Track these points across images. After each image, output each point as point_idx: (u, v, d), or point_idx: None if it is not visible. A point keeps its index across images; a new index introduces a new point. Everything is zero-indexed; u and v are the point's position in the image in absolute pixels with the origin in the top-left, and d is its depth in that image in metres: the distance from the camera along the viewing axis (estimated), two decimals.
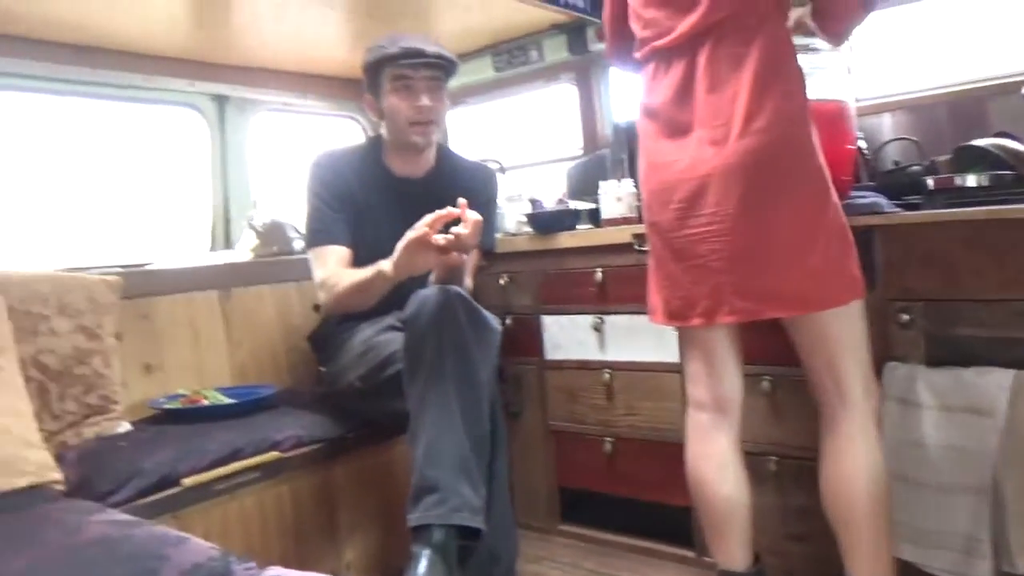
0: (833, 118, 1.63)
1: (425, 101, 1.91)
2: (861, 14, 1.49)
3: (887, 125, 2.12)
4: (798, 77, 1.42)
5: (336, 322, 2.02)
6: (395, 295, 1.76)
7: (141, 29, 2.24)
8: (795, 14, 1.54)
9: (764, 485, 1.80)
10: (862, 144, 1.94)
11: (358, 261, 1.89)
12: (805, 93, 1.41)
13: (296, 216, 2.45)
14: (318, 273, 1.92)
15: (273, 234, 2.57)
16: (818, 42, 1.67)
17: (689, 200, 1.42)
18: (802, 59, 1.61)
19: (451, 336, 1.57)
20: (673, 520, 2.00)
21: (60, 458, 1.60)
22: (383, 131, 2.02)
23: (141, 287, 2.11)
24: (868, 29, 1.85)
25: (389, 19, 2.36)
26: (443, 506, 1.43)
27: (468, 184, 2.00)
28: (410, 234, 1.61)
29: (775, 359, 1.73)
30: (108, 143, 2.63)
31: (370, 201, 1.97)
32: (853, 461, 1.42)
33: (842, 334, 1.43)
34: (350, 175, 1.98)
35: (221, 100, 2.78)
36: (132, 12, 2.09)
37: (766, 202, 1.36)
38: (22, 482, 1.44)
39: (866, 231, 1.59)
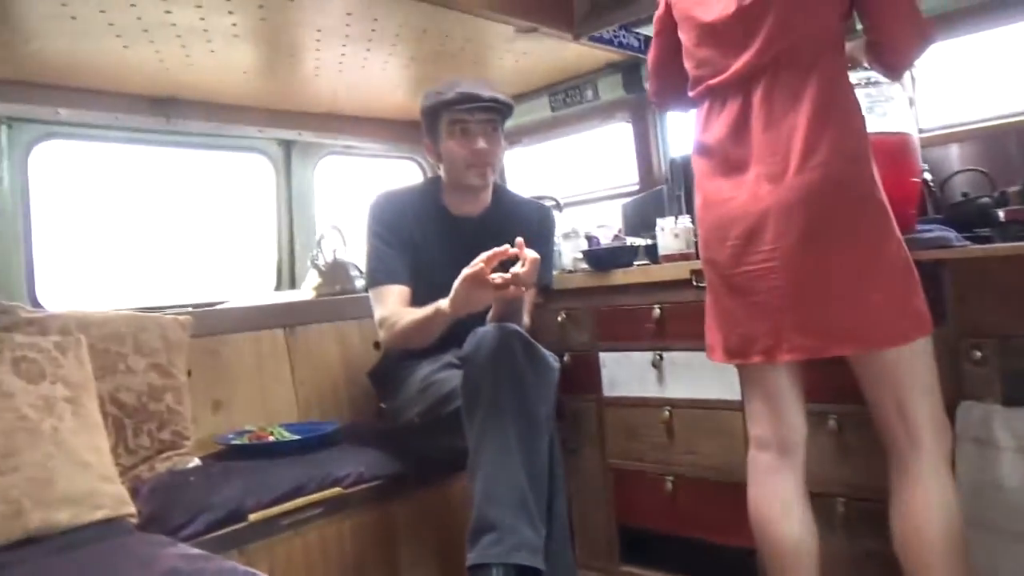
0: (896, 151, 1.60)
1: (482, 144, 1.95)
2: (921, 46, 1.47)
3: (954, 156, 2.07)
4: (857, 112, 1.40)
5: (396, 359, 2.06)
6: (454, 332, 1.78)
7: (215, 80, 2.37)
8: (847, 47, 1.53)
9: (832, 528, 1.73)
10: (928, 176, 1.89)
11: (416, 299, 1.93)
12: (864, 128, 1.40)
13: (358, 255, 2.51)
14: (378, 311, 1.96)
15: (336, 273, 2.65)
16: (879, 75, 1.66)
17: (746, 237, 1.41)
18: (863, 92, 1.60)
19: (508, 373, 1.58)
20: (737, 562, 1.94)
21: (134, 492, 1.67)
22: (441, 172, 2.07)
23: (210, 326, 2.20)
24: (933, 58, 1.82)
25: (448, 64, 2.44)
26: (501, 545, 1.43)
27: (524, 221, 2.03)
28: (467, 271, 1.64)
29: (842, 397, 1.68)
30: (181, 187, 2.76)
31: (428, 240, 2.02)
32: (925, 506, 1.36)
33: (909, 372, 1.38)
34: (409, 214, 2.03)
35: (287, 145, 2.90)
36: (207, 64, 2.21)
37: (825, 238, 1.35)
38: (99, 515, 1.50)
39: (934, 265, 1.54)
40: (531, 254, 1.62)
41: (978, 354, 1.54)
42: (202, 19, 1.88)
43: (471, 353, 1.63)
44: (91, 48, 2.00)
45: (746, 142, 1.42)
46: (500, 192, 2.15)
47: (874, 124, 1.61)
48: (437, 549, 1.98)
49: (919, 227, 1.66)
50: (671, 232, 2.15)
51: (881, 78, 1.64)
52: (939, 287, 1.56)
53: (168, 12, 1.82)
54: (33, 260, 2.31)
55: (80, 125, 2.43)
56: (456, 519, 1.93)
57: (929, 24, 1.48)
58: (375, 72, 2.46)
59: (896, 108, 1.66)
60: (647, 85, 2.61)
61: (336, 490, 1.80)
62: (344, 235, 2.74)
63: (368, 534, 1.87)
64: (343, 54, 2.26)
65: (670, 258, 2.14)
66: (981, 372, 1.54)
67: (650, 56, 1.73)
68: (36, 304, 2.28)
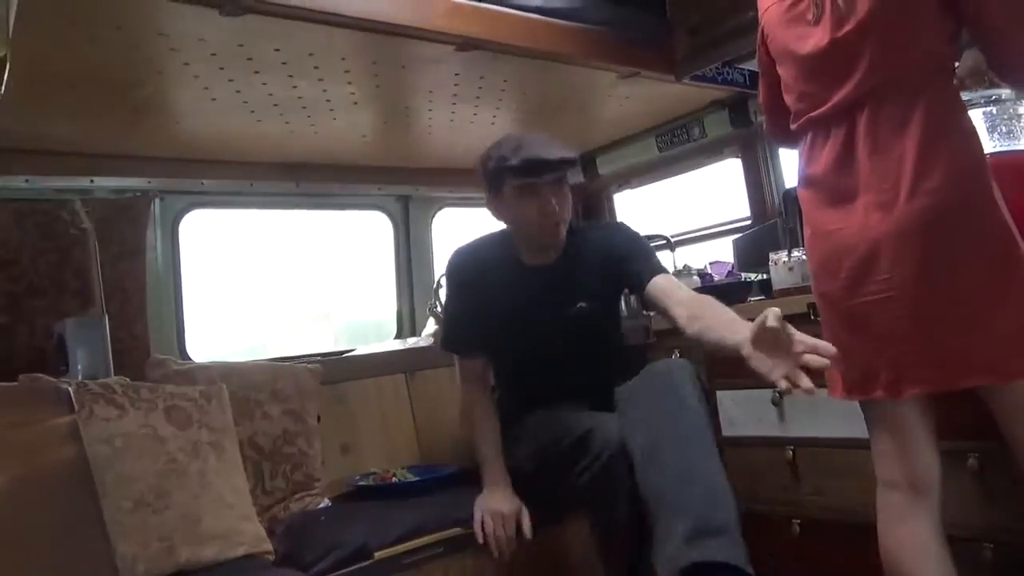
0: None
1: (552, 204, 1.88)
2: None
3: None
4: (971, 134, 1.33)
5: (512, 402, 2.10)
6: (570, 386, 1.87)
7: (337, 145, 2.55)
8: (974, 60, 1.47)
9: None
10: None
11: (491, 346, 2.02)
12: (980, 149, 1.33)
13: None
14: (460, 384, 2.09)
15: None
16: (1003, 91, 1.58)
17: (859, 268, 1.37)
18: (982, 112, 1.54)
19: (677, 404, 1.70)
20: None
21: (270, 531, 1.78)
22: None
23: (337, 373, 2.34)
24: None
25: (552, 112, 2.51)
26: (735, 548, 1.47)
27: (599, 249, 1.97)
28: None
29: (982, 434, 1.54)
30: (309, 245, 2.96)
31: (502, 291, 1.99)
32: None
33: None
34: (484, 269, 2.02)
35: (405, 200, 3.06)
36: (330, 131, 2.39)
37: (944, 263, 1.29)
38: (240, 552, 1.62)
39: None
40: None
41: None
42: (325, 91, 2.05)
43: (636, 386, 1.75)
44: (230, 124, 2.22)
45: (853, 172, 1.38)
46: (573, 234, 2.01)
47: (999, 143, 1.54)
48: None
49: None
50: (785, 266, 2.10)
51: (1004, 95, 1.56)
52: None
53: (295, 87, 2.00)
54: (183, 317, 2.54)
55: (221, 194, 2.67)
56: (572, 559, 1.93)
57: None
58: (484, 125, 2.56)
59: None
60: (756, 119, 2.59)
61: (456, 530, 1.84)
62: None
63: (489, 575, 1.89)
64: (453, 112, 2.38)
65: (785, 292, 2.09)
66: None
67: (760, 96, 1.72)
68: (185, 356, 2.50)
